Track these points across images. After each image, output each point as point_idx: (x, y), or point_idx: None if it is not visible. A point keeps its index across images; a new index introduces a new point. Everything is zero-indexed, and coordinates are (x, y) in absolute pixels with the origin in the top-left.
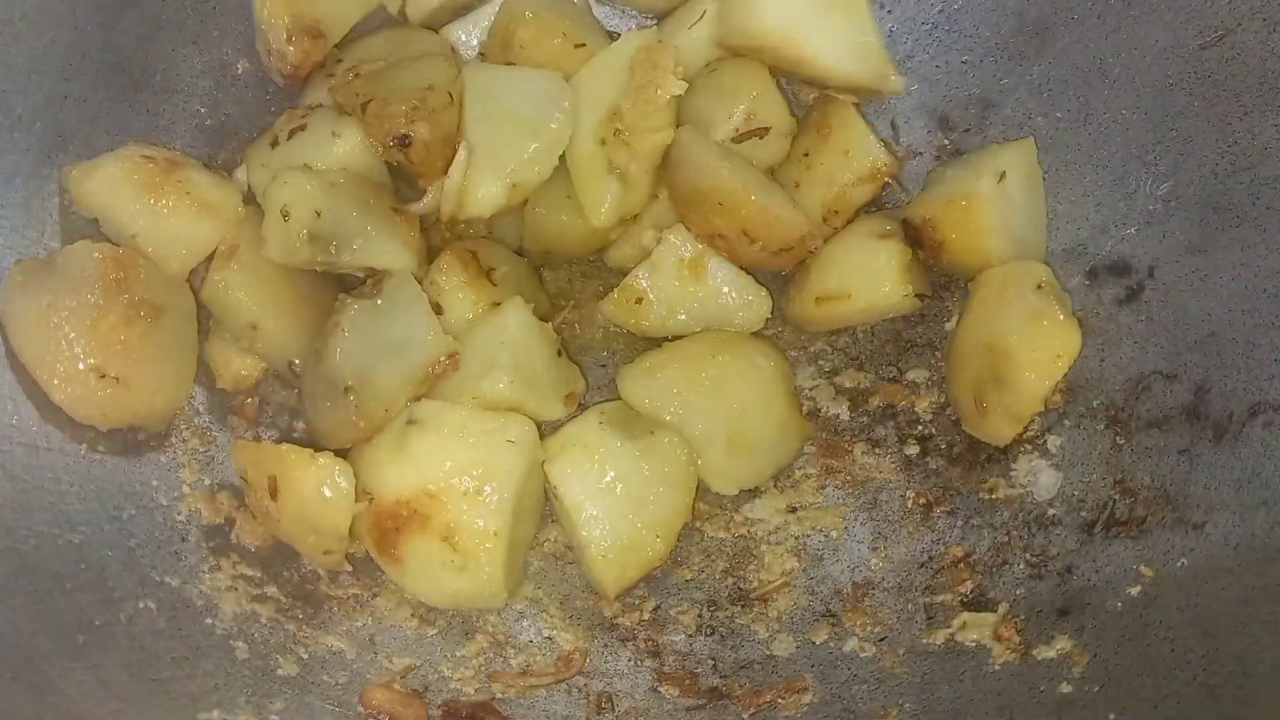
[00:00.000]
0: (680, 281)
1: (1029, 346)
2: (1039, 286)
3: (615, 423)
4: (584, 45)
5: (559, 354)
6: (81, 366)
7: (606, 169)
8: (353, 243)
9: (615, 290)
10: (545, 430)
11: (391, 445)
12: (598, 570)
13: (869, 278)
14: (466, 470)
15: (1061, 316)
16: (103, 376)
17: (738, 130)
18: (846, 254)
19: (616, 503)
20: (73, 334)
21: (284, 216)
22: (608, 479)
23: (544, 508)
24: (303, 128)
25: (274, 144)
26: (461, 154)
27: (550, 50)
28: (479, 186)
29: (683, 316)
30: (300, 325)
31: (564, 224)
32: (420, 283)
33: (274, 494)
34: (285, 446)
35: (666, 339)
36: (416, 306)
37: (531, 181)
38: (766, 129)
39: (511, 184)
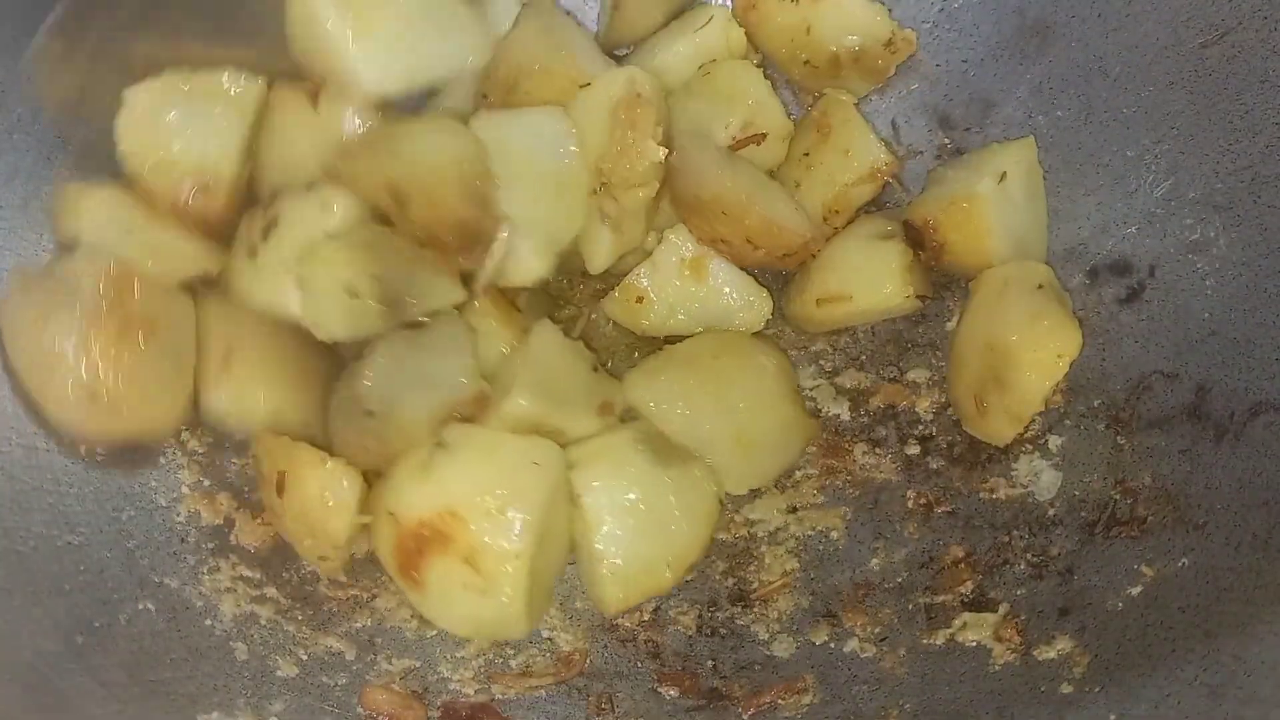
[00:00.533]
0: (681, 281)
1: (1030, 346)
2: (1040, 286)
3: (650, 445)
4: (589, 85)
5: (595, 369)
6: (75, 384)
7: (599, 219)
8: (411, 295)
9: (616, 289)
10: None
11: (417, 466)
12: (603, 587)
13: (870, 279)
14: (490, 491)
15: (1062, 316)
16: (96, 394)
17: (735, 138)
18: (847, 256)
19: (638, 524)
20: (67, 351)
21: (351, 295)
22: (631, 498)
23: (570, 539)
24: (273, 223)
25: (253, 253)
26: (503, 235)
27: (555, 93)
28: (525, 258)
29: (683, 316)
30: (312, 401)
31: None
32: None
33: (280, 490)
34: (300, 444)
35: (666, 339)
36: (460, 345)
37: (569, 238)
38: (764, 135)
39: (555, 251)
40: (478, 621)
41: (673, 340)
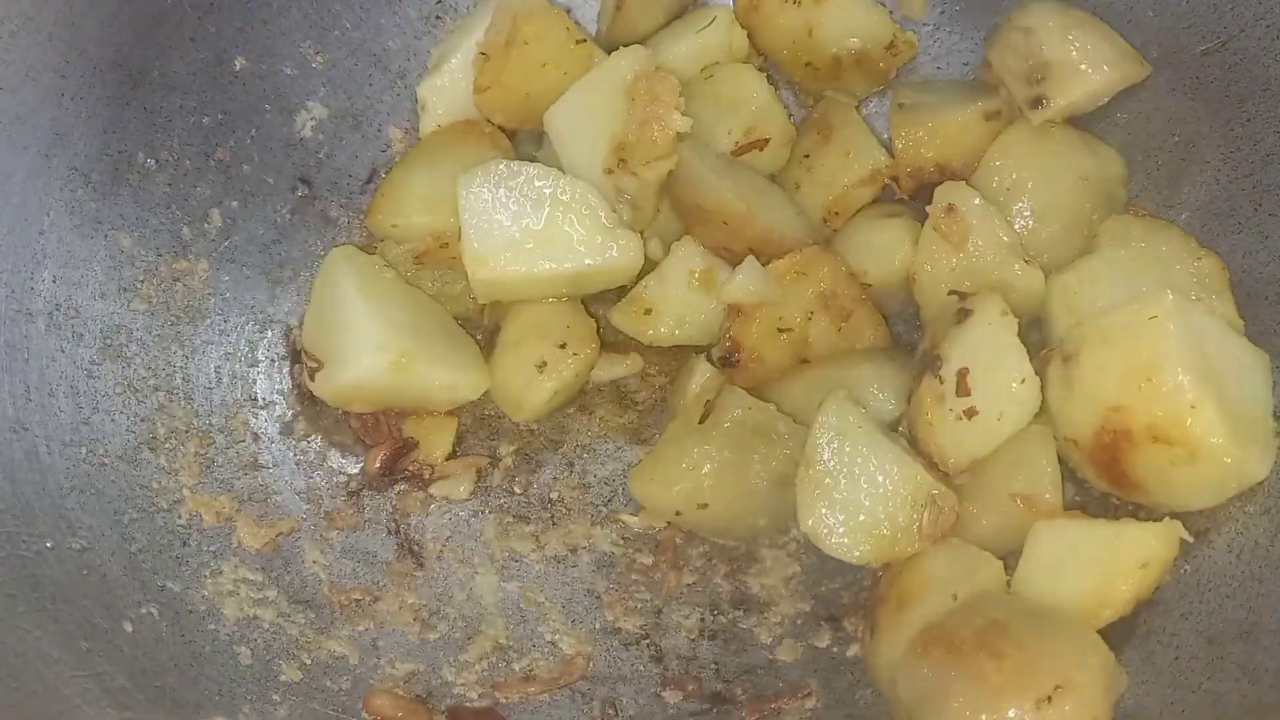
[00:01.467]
0: (690, 292)
1: None
2: None
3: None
4: (597, 65)
5: None
6: None
7: (615, 198)
8: None
9: (623, 299)
10: None
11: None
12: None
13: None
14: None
15: None
16: None
17: (738, 144)
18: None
19: None
20: None
21: None
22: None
23: None
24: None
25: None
26: None
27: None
28: None
29: (691, 327)
30: None
31: None
32: None
33: None
34: None
35: (675, 348)
36: None
37: None
38: (766, 140)
39: None
40: (1220, 483)
41: (682, 349)
